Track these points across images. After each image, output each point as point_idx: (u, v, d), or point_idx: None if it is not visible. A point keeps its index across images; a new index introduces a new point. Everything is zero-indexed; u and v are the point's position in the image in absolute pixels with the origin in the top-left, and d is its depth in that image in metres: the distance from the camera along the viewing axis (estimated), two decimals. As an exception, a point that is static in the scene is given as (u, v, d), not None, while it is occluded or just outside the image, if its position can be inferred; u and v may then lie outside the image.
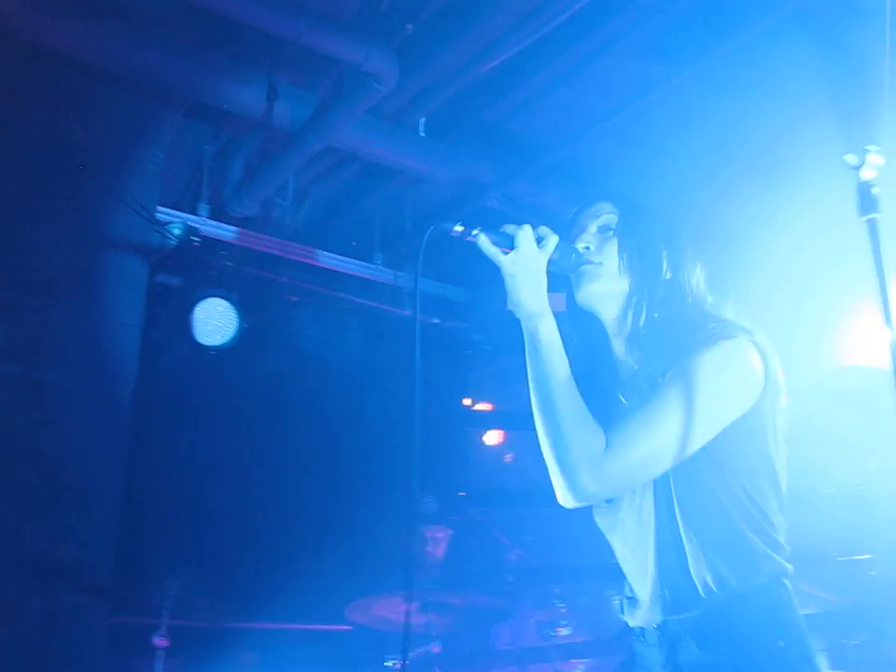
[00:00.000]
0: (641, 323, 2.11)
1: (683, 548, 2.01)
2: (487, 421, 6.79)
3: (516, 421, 6.50)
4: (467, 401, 6.56)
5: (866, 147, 1.84)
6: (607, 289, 2.15)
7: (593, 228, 2.19)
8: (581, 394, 2.05)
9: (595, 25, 4.32)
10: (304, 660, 4.58)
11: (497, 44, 4.27)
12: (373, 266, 5.54)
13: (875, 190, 1.81)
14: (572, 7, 3.99)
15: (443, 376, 5.71)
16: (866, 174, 1.82)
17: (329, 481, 5.25)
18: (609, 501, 2.18)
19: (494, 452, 6.91)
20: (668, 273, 2.14)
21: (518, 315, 2.09)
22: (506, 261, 2.05)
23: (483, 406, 6.76)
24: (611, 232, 2.16)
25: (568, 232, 2.23)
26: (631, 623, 2.17)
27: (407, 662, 4.06)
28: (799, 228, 4.53)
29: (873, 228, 1.80)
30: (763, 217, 4.61)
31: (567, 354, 2.08)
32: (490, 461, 6.86)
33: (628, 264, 2.14)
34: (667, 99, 4.67)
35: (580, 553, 6.74)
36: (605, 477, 1.96)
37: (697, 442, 1.96)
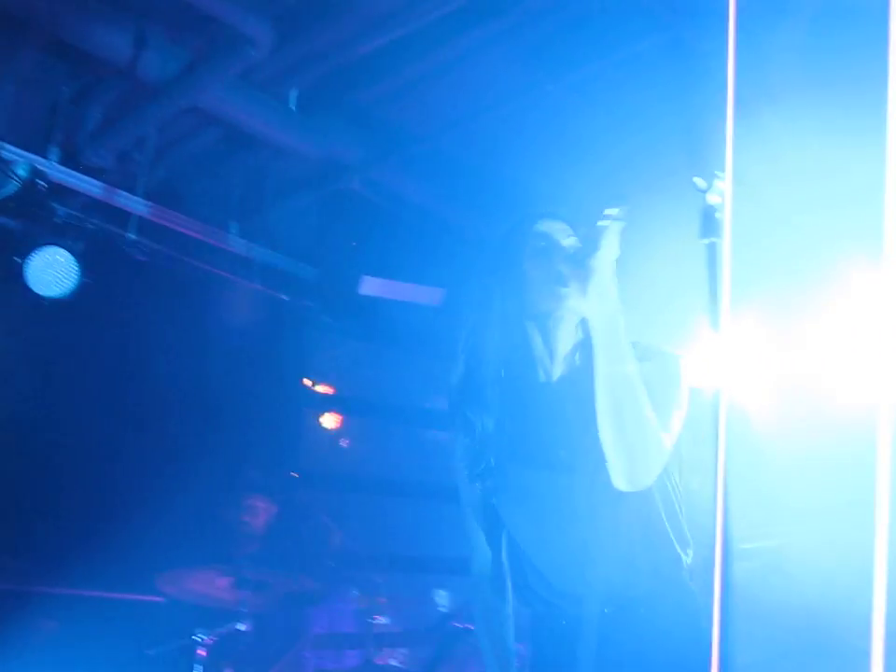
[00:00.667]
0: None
1: (619, 538, 2.15)
2: (326, 404, 6.74)
3: (355, 407, 6.49)
4: (308, 382, 6.51)
5: (715, 172, 1.90)
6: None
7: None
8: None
9: (476, 24, 4.34)
10: (109, 630, 4.42)
11: (376, 26, 4.25)
12: (228, 235, 5.41)
13: (718, 215, 1.88)
14: (455, 1, 4.01)
15: (287, 354, 5.63)
16: (712, 198, 1.88)
17: (148, 447, 5.09)
18: (523, 490, 2.22)
19: (330, 435, 6.87)
20: None
21: (601, 309, 2.09)
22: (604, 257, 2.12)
23: (323, 389, 6.71)
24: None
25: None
26: (536, 611, 2.23)
27: (215, 638, 3.99)
28: (650, 252, 4.71)
29: (712, 251, 1.86)
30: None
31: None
32: (325, 444, 6.82)
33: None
34: (539, 106, 4.76)
35: (404, 543, 6.80)
36: (661, 460, 2.11)
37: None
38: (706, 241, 1.86)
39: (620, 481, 2.06)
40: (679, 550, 2.20)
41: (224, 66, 4.34)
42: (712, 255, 1.86)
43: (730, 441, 1.61)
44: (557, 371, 2.29)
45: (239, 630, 4.19)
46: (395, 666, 5.82)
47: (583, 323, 2.26)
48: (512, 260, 2.33)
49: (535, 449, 2.25)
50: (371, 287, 5.57)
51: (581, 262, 2.10)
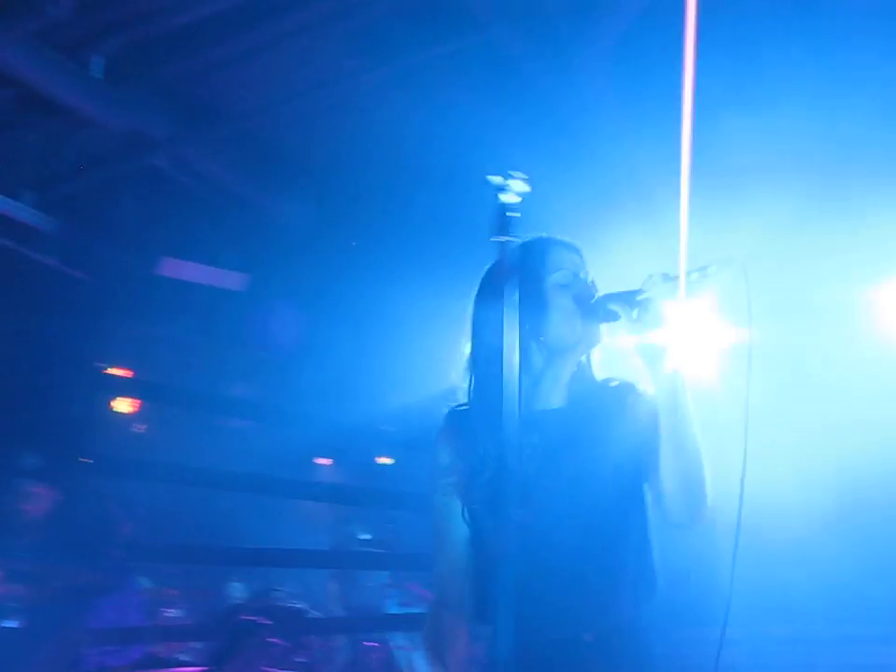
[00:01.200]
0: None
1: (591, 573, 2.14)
2: (122, 388, 6.47)
3: (152, 392, 6.25)
4: (103, 366, 6.22)
5: (510, 172, 1.91)
6: None
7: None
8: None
9: (294, 7, 4.26)
10: None
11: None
12: (19, 205, 5.09)
13: (512, 214, 1.89)
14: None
15: (81, 336, 5.35)
16: (507, 197, 1.89)
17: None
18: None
19: (125, 420, 6.61)
20: None
21: (666, 376, 2.10)
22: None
23: (120, 372, 6.43)
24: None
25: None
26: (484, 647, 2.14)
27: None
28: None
29: (503, 250, 1.87)
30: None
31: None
32: (120, 430, 6.56)
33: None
34: (357, 93, 4.73)
35: (199, 533, 6.63)
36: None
37: None
38: (497, 238, 1.87)
39: (681, 516, 2.13)
40: (638, 596, 2.20)
41: (18, 21, 4.06)
42: (503, 252, 1.87)
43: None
44: (556, 401, 2.28)
45: (7, 627, 3.95)
46: (183, 660, 5.67)
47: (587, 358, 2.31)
48: (533, 289, 2.23)
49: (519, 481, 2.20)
50: (172, 268, 5.38)
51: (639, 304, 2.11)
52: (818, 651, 5.62)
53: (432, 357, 5.57)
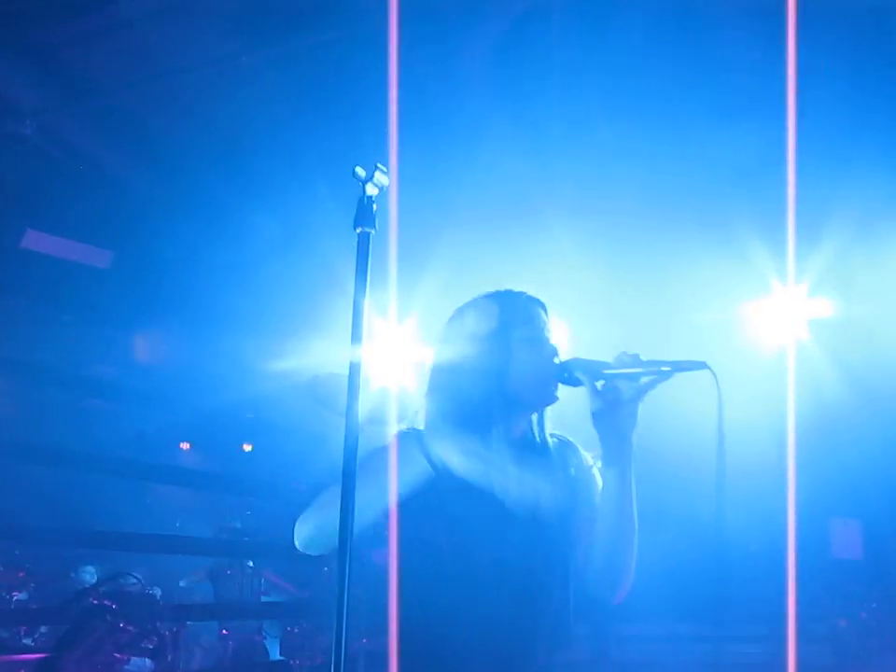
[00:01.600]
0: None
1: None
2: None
3: (5, 367, 6.04)
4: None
5: (378, 165, 1.94)
6: None
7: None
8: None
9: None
10: None
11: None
12: None
13: (374, 207, 1.93)
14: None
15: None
16: (370, 189, 1.93)
17: None
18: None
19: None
20: None
21: (618, 447, 2.12)
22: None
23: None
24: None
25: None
26: None
27: None
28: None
29: (364, 240, 1.90)
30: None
31: None
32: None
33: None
34: (233, 75, 4.67)
35: (51, 515, 6.44)
36: None
37: None
38: (359, 230, 1.90)
39: (600, 589, 2.19)
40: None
41: None
42: (364, 244, 1.90)
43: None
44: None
45: None
46: (27, 645, 5.51)
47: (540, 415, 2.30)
48: (499, 339, 2.22)
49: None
50: (35, 241, 5.20)
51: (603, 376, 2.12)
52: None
53: (292, 347, 5.60)
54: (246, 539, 7.23)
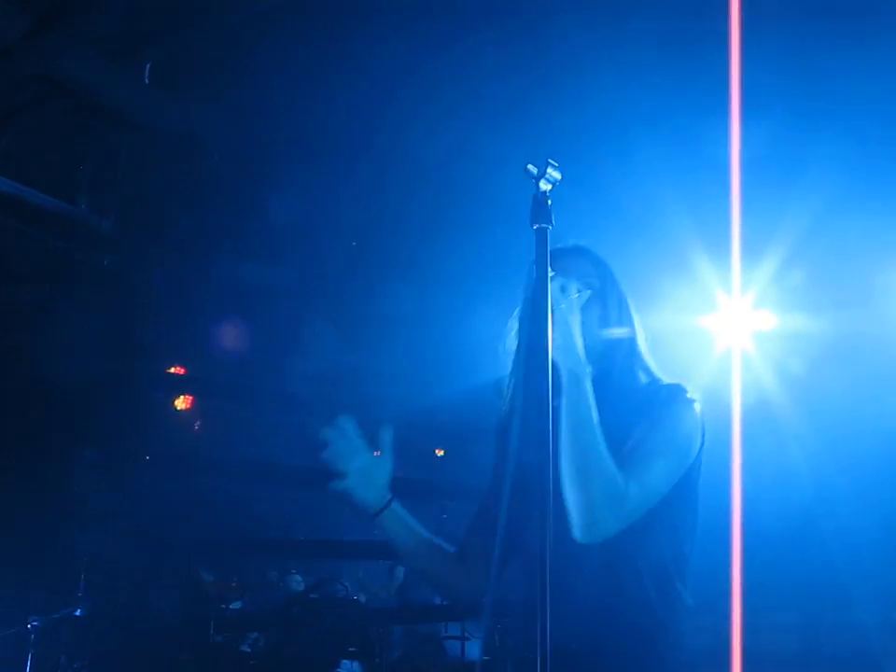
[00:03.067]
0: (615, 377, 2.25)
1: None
2: (179, 386, 6.59)
3: (210, 389, 6.36)
4: (161, 363, 6.34)
5: (549, 161, 1.93)
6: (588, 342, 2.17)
7: (573, 284, 2.17)
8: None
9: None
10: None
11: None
12: (76, 208, 5.22)
13: (549, 202, 1.92)
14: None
15: (124, 332, 5.44)
16: (544, 185, 1.92)
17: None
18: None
19: (182, 417, 6.73)
20: (634, 335, 2.30)
21: (565, 361, 2.08)
22: (569, 306, 2.09)
23: (177, 371, 6.56)
24: (589, 292, 2.22)
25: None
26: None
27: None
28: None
29: (542, 236, 1.90)
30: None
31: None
32: (177, 427, 6.68)
33: (606, 324, 2.26)
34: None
35: (256, 527, 6.72)
36: (624, 515, 2.05)
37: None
38: (536, 226, 1.90)
39: (574, 531, 2.05)
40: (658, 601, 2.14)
41: (74, 29, 4.17)
42: (542, 239, 1.90)
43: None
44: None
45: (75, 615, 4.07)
46: (244, 651, 5.75)
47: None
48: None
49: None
50: (226, 268, 5.46)
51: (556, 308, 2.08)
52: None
53: (480, 343, 5.63)
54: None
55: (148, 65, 4.76)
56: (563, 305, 2.09)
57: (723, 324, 5.33)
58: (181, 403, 6.65)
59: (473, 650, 6.45)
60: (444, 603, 6.54)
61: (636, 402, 2.20)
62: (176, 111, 4.94)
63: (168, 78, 4.86)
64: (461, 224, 5.34)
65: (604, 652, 2.10)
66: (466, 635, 6.12)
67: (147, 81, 4.79)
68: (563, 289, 2.10)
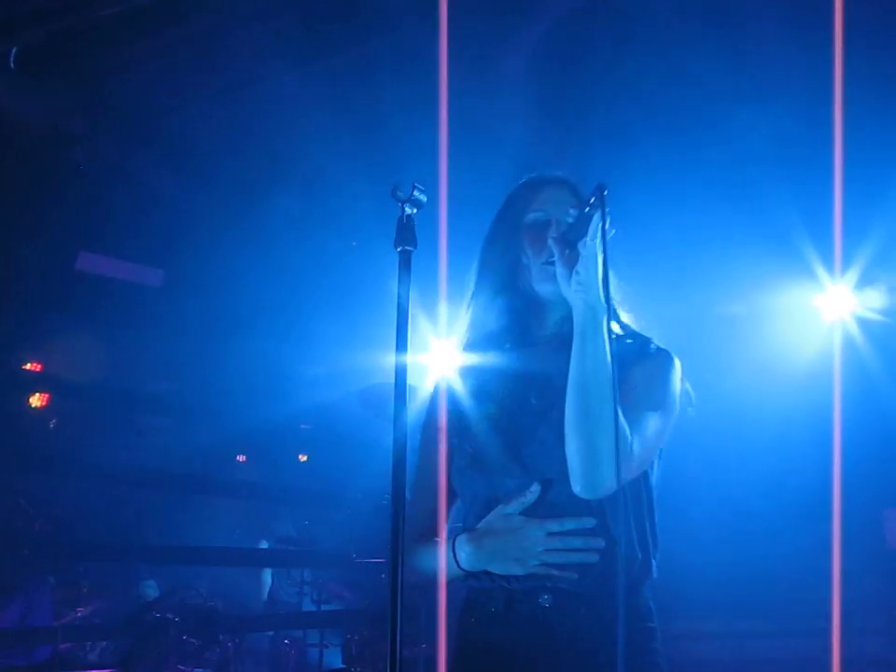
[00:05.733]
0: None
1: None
2: (34, 384, 6.36)
3: (66, 387, 6.16)
4: (17, 360, 6.12)
5: (416, 185, 1.96)
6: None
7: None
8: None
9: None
10: None
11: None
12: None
13: (414, 226, 1.94)
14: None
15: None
16: (410, 208, 1.94)
17: None
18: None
19: (37, 416, 6.50)
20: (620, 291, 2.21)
21: (587, 296, 1.97)
22: (600, 241, 1.95)
23: (32, 367, 6.33)
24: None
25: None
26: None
27: None
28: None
29: (405, 259, 1.92)
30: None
31: None
32: (31, 425, 6.44)
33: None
34: (276, 95, 4.73)
35: (113, 530, 6.55)
36: (625, 470, 1.91)
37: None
38: (400, 249, 1.92)
39: (575, 485, 1.96)
40: (642, 554, 2.07)
41: None
42: (406, 261, 1.92)
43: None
44: (535, 359, 2.17)
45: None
46: (92, 661, 5.60)
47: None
48: (509, 228, 2.19)
49: (500, 441, 2.12)
50: (89, 263, 5.31)
51: (569, 243, 2.00)
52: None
53: (344, 358, 5.65)
54: (304, 549, 7.29)
55: (14, 50, 4.59)
56: (596, 240, 1.97)
57: (828, 303, 5.24)
58: (36, 401, 6.43)
59: (332, 658, 6.45)
60: (310, 610, 6.53)
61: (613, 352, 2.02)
62: (42, 100, 4.77)
63: (35, 66, 4.68)
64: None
65: (599, 611, 2.01)
66: (325, 643, 6.11)
67: (12, 66, 4.61)
68: (600, 223, 1.97)
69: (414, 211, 1.95)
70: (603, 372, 1.94)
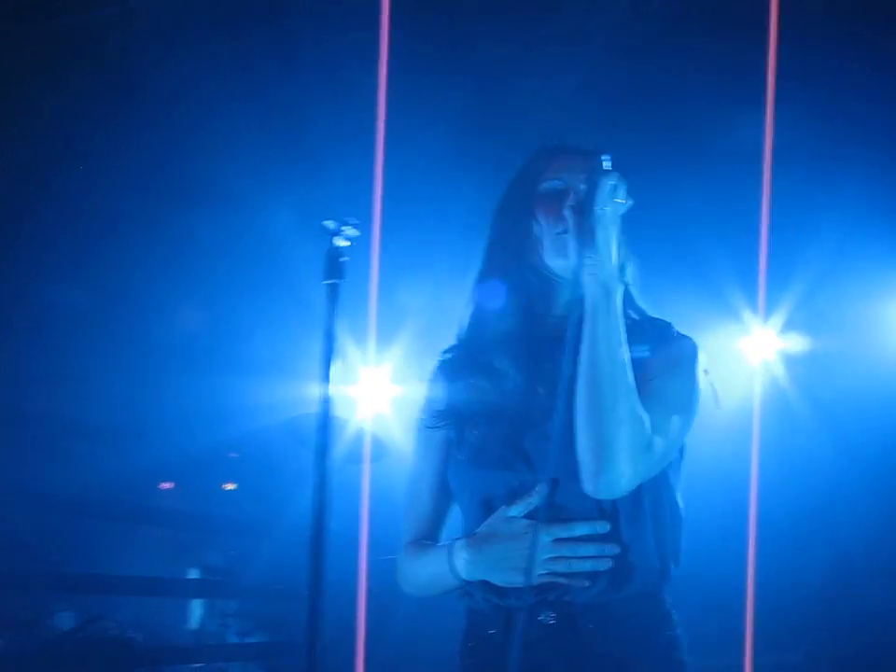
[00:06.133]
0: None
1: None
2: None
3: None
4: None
5: (345, 218, 1.95)
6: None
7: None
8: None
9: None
10: None
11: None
12: None
13: (343, 259, 1.93)
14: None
15: None
16: (339, 241, 1.94)
17: None
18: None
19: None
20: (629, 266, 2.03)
21: (600, 272, 1.80)
22: (614, 210, 1.80)
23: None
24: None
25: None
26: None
27: None
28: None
29: (333, 292, 1.91)
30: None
31: None
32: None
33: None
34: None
35: (25, 558, 6.36)
36: (643, 469, 1.78)
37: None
38: (328, 282, 1.91)
39: (586, 484, 1.79)
40: (659, 563, 1.91)
41: None
42: (333, 295, 1.92)
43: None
44: (544, 343, 1.97)
45: None
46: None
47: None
48: (522, 197, 2.00)
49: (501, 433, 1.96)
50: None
51: (585, 214, 1.80)
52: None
53: (274, 387, 5.60)
54: (228, 580, 7.18)
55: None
56: (608, 208, 1.79)
57: (751, 346, 5.28)
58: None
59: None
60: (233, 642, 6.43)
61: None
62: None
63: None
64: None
65: (611, 626, 1.87)
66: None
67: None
68: (615, 189, 1.81)
69: (345, 244, 1.94)
70: (617, 357, 1.77)
